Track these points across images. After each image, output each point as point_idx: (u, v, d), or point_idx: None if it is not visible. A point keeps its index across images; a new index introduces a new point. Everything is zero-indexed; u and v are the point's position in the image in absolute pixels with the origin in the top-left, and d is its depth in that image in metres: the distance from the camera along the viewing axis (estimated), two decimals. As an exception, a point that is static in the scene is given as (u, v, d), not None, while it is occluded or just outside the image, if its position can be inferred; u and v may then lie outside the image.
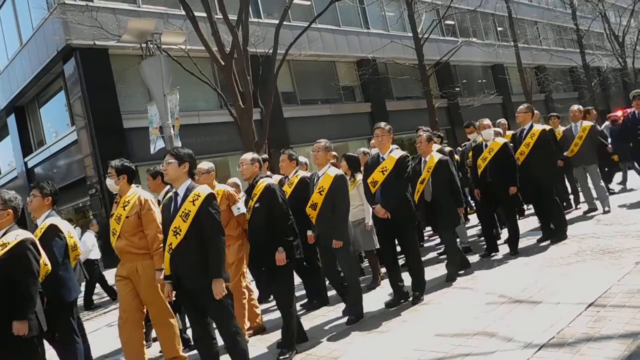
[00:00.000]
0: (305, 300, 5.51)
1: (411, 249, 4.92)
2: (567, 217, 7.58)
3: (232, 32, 10.75)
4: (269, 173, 5.09)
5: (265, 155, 5.50)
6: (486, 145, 6.24)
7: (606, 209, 7.43)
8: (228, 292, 3.48)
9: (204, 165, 4.76)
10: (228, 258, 4.34)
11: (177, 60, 11.49)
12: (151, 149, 9.83)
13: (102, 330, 6.71)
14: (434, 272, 5.86)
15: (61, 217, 4.45)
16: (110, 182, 4.35)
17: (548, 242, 6.23)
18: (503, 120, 8.28)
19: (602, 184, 7.69)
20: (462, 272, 5.61)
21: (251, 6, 14.03)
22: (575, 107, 8.10)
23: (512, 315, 3.97)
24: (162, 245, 3.87)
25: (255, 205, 4.19)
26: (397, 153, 4.83)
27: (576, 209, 8.34)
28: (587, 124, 7.81)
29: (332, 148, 4.69)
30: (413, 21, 17.84)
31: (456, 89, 22.95)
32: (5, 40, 17.63)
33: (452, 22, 24.51)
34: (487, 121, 6.41)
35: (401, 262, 5.33)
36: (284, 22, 12.08)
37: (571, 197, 8.51)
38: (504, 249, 6.29)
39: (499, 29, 27.94)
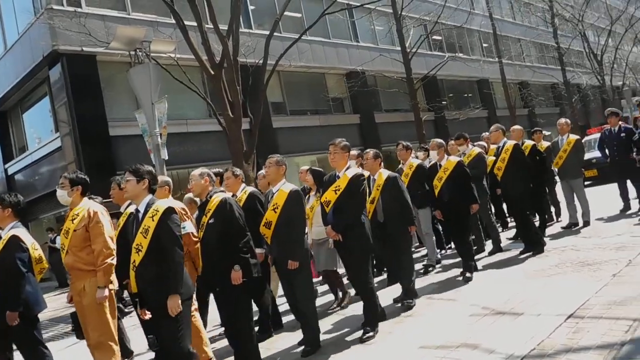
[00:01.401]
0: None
1: (362, 275, 4.48)
2: (549, 229, 7.79)
3: (222, 42, 10.81)
4: (222, 188, 4.77)
5: (218, 170, 5.25)
6: (440, 165, 6.23)
7: (586, 219, 7.60)
8: (185, 310, 3.31)
9: (159, 178, 4.49)
10: None
11: (167, 68, 11.50)
12: (152, 158, 9.75)
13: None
14: (419, 282, 5.87)
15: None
16: (61, 194, 4.15)
17: (530, 253, 6.34)
18: (487, 134, 8.42)
19: (586, 196, 7.80)
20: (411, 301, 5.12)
21: (242, 16, 14.14)
22: (563, 120, 8.24)
23: (494, 327, 4.04)
24: (107, 260, 3.84)
25: (210, 222, 4.04)
26: (351, 172, 4.55)
27: (557, 221, 8.48)
28: (573, 137, 7.94)
29: (285, 162, 4.49)
30: (401, 35, 18.15)
31: (443, 102, 23.26)
32: (-11, 44, 17.45)
33: (440, 38, 24.92)
34: (437, 141, 6.42)
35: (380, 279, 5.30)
36: (275, 33, 12.19)
37: (552, 209, 8.64)
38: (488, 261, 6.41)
39: (484, 45, 28.47)
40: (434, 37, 23.49)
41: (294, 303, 4.53)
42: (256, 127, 11.64)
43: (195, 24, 10.86)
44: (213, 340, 5.10)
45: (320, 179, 5.45)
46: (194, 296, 3.76)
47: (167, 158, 9.19)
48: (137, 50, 9.59)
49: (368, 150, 5.55)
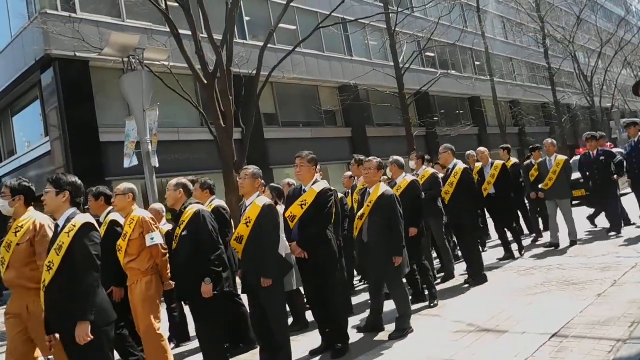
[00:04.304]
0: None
1: (329, 294, 4.27)
2: (534, 249, 7.84)
3: (216, 52, 10.84)
4: (197, 200, 4.51)
5: (193, 178, 5.06)
6: (395, 183, 5.66)
7: (573, 239, 7.62)
8: (102, 338, 3.00)
9: (122, 185, 4.38)
10: (134, 297, 4.07)
11: (159, 76, 11.50)
12: (125, 163, 9.74)
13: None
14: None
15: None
16: (2, 204, 3.80)
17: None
18: (472, 153, 8.54)
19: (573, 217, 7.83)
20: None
21: (237, 27, 14.18)
22: (549, 140, 8.20)
23: (478, 344, 4.03)
24: None
25: (183, 234, 3.92)
26: (319, 186, 4.35)
27: (534, 240, 8.56)
28: (561, 157, 7.95)
29: (261, 175, 4.30)
30: (395, 51, 18.35)
31: (434, 118, 23.45)
32: (-19, 46, 17.35)
33: (433, 54, 25.19)
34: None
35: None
36: (269, 45, 12.25)
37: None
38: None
39: (476, 63, 28.81)
40: (427, 53, 23.76)
41: (260, 331, 4.15)
42: (247, 138, 11.65)
43: (189, 33, 10.88)
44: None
45: (279, 195, 5.31)
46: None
47: (157, 165, 9.15)
48: (131, 57, 9.60)
49: (371, 158, 4.93)
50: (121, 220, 4.40)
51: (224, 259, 3.95)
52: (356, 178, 6.34)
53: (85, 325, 2.89)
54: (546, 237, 8.38)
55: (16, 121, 17.41)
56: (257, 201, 4.13)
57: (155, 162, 9.05)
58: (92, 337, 2.90)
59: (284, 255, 4.88)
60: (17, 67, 14.93)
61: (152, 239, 4.12)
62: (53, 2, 13.89)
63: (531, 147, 9.13)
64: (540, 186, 8.06)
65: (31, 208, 3.83)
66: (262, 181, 4.37)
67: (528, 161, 9.03)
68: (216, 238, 3.94)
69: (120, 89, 9.72)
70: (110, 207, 4.58)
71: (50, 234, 3.62)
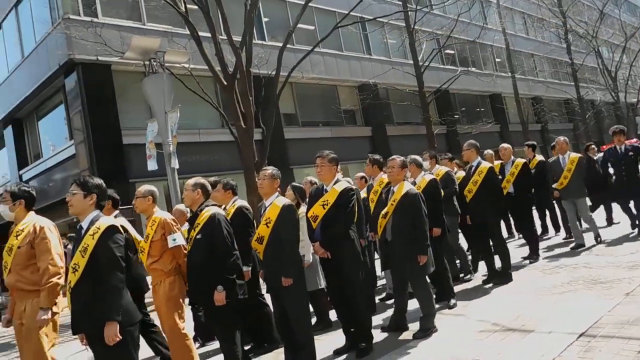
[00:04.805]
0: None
1: (353, 294, 4.27)
2: (557, 248, 7.70)
3: (235, 53, 10.92)
4: (214, 202, 4.43)
5: (216, 178, 5.13)
6: (414, 183, 5.48)
7: (598, 239, 7.43)
8: (127, 338, 3.01)
9: (142, 188, 4.36)
10: (158, 298, 4.10)
11: (180, 78, 11.63)
12: (149, 166, 9.90)
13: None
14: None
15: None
16: (3, 209, 3.82)
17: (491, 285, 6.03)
18: (490, 152, 8.39)
19: (591, 215, 7.60)
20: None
21: (255, 29, 14.28)
22: (562, 138, 7.89)
23: (503, 344, 3.97)
24: (53, 279, 3.53)
25: (197, 237, 3.85)
26: (341, 185, 4.34)
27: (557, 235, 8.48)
28: (575, 155, 7.67)
29: (280, 176, 4.29)
30: (414, 49, 18.23)
31: (455, 116, 23.24)
32: (6, 52, 17.79)
33: (452, 52, 24.94)
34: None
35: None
36: (288, 45, 12.29)
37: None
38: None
39: (497, 59, 28.44)
40: (447, 51, 23.52)
41: (282, 330, 4.19)
42: (268, 138, 11.70)
43: (209, 35, 10.98)
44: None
45: (302, 194, 5.28)
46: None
47: (177, 167, 9.26)
48: (152, 60, 9.75)
49: (394, 157, 4.88)
50: (128, 226, 4.39)
51: (238, 265, 3.88)
52: (372, 178, 6.28)
53: (114, 325, 2.92)
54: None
55: (42, 125, 17.83)
56: (277, 201, 4.14)
57: (175, 163, 9.16)
58: (120, 337, 2.93)
59: (308, 256, 4.93)
60: (42, 72, 15.28)
61: (174, 239, 4.13)
62: (76, 7, 14.18)
63: (553, 144, 8.95)
64: (554, 186, 7.75)
65: (31, 212, 3.84)
66: (280, 181, 4.35)
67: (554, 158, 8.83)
68: (230, 243, 3.86)
69: (142, 92, 9.88)
70: (117, 211, 4.62)
71: (50, 236, 3.66)
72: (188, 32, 11.45)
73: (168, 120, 9.24)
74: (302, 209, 4.93)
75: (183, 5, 11.07)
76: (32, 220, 3.75)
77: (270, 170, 4.28)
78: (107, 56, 12.26)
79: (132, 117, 14.54)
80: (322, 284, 5.08)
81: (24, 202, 3.80)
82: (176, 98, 9.81)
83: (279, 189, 4.34)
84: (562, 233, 8.58)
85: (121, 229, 3.21)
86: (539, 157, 8.68)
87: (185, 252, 4.13)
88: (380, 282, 7.01)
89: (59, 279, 3.58)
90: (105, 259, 3.00)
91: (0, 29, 17.87)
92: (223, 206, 5.09)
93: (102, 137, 13.86)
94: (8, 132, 18.53)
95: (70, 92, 14.77)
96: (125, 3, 15.16)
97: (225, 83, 10.96)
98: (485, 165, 6.25)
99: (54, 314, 3.61)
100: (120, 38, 13.13)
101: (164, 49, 10.41)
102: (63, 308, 3.63)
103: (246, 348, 4.90)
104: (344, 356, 4.36)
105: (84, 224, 3.15)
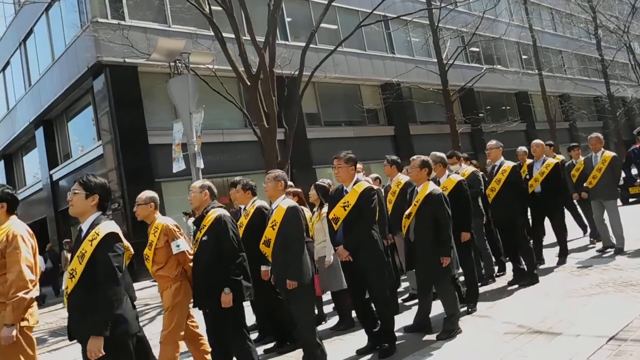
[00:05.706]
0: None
1: (379, 295, 4.24)
2: (588, 250, 7.50)
3: (259, 54, 10.98)
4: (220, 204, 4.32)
5: (239, 178, 5.19)
6: (439, 182, 5.44)
7: (620, 245, 6.95)
8: (117, 349, 2.86)
9: (143, 194, 4.26)
10: (164, 303, 4.07)
11: (204, 79, 11.76)
12: (174, 168, 10.03)
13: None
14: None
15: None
16: None
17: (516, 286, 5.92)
18: (523, 148, 8.16)
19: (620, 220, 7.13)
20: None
21: (278, 29, 14.33)
22: (594, 135, 7.40)
23: (530, 347, 3.89)
24: (19, 294, 3.24)
25: (203, 239, 3.80)
26: (361, 186, 4.25)
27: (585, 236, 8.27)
28: (609, 154, 7.23)
29: (284, 178, 4.27)
30: (438, 47, 18.01)
31: (480, 115, 22.90)
32: (38, 55, 18.31)
33: (477, 49, 24.61)
34: (438, 155, 5.71)
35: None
36: (311, 45, 12.30)
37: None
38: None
39: (523, 57, 27.92)
40: (471, 48, 23.24)
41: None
42: (290, 138, 11.73)
43: (233, 36, 11.07)
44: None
45: (325, 194, 5.21)
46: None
47: (202, 167, 9.36)
48: (177, 61, 9.87)
49: (415, 157, 4.85)
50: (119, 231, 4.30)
51: (245, 267, 3.83)
52: (390, 179, 6.20)
53: (99, 340, 2.76)
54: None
55: (71, 126, 18.29)
56: (282, 204, 4.13)
57: (200, 163, 9.26)
58: (104, 352, 2.77)
59: (329, 256, 4.91)
60: (71, 74, 15.67)
61: (177, 246, 4.08)
62: (104, 11, 14.51)
63: (569, 146, 8.70)
64: (585, 184, 7.39)
65: (13, 216, 3.60)
66: (284, 183, 4.33)
67: (570, 161, 8.53)
68: (237, 245, 3.81)
69: (168, 93, 10.02)
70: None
71: (22, 247, 3.39)
72: (212, 34, 11.57)
73: (192, 121, 9.35)
74: (325, 208, 4.89)
75: (207, 6, 11.19)
76: (9, 227, 3.47)
77: (274, 172, 4.28)
78: (134, 58, 12.51)
79: (158, 118, 14.79)
80: (345, 284, 5.07)
81: (6, 205, 3.55)
82: (200, 99, 9.92)
83: (285, 191, 4.32)
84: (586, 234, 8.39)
85: (122, 236, 3.07)
86: (560, 157, 8.39)
87: (190, 256, 4.10)
88: (403, 285, 6.96)
89: (25, 293, 3.28)
90: (102, 268, 2.85)
91: (32, 33, 18.41)
92: (243, 206, 5.16)
93: (129, 137, 14.14)
94: (39, 133, 19.05)
95: (98, 93, 15.11)
96: (151, 6, 15.42)
97: (248, 83, 11.03)
98: (509, 164, 6.19)
99: (28, 328, 3.39)
100: (147, 40, 13.35)
101: (189, 50, 10.53)
102: (36, 322, 3.49)
103: (269, 346, 4.96)
104: (367, 357, 4.33)
105: (84, 227, 3.01)
